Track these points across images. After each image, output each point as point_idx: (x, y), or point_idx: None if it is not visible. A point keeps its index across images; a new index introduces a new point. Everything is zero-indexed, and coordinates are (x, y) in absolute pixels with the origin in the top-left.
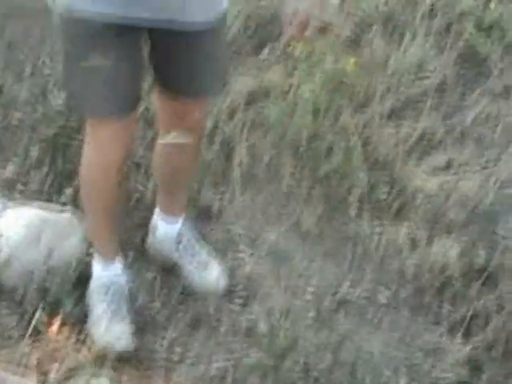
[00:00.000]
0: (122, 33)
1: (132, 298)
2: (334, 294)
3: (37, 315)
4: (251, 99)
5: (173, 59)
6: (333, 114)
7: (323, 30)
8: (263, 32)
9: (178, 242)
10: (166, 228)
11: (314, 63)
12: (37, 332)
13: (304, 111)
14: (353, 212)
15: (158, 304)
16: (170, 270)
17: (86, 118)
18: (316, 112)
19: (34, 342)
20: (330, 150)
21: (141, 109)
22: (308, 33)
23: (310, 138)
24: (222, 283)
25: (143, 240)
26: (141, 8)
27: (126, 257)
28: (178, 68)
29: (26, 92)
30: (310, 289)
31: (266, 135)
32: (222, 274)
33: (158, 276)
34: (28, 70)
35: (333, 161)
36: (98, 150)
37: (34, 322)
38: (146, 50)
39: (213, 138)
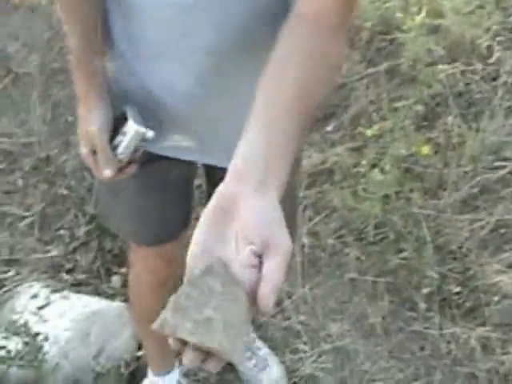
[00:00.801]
0: (161, 160)
1: None
2: None
3: None
4: (314, 177)
5: None
6: (403, 201)
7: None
8: (329, 102)
9: None
10: None
11: (384, 144)
12: None
13: (372, 196)
14: (421, 309)
15: None
16: (226, 366)
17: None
18: (385, 198)
19: None
20: (397, 240)
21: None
22: None
23: (377, 226)
24: None
25: None
26: (184, 153)
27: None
28: None
29: (73, 162)
30: None
31: (330, 219)
32: (282, 376)
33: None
34: (74, 137)
35: (401, 253)
36: (139, 268)
37: None
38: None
39: None
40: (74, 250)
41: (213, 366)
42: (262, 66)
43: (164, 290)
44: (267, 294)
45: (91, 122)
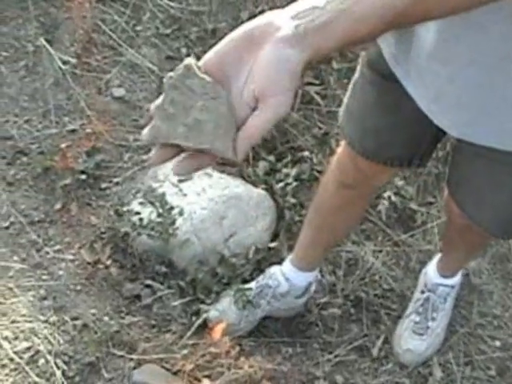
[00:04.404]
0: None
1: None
2: None
3: (199, 320)
4: None
5: (464, 168)
6: None
7: None
8: None
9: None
10: None
11: None
12: (196, 333)
13: None
14: None
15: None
16: None
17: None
18: None
19: (192, 344)
20: None
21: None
22: None
23: None
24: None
25: None
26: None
27: None
28: (466, 181)
29: None
30: (498, 343)
31: None
32: None
33: None
34: (244, 13)
35: None
36: (333, 167)
37: (195, 325)
38: None
39: None
40: None
41: (207, 163)
42: None
43: (346, 193)
44: (240, 141)
45: None
